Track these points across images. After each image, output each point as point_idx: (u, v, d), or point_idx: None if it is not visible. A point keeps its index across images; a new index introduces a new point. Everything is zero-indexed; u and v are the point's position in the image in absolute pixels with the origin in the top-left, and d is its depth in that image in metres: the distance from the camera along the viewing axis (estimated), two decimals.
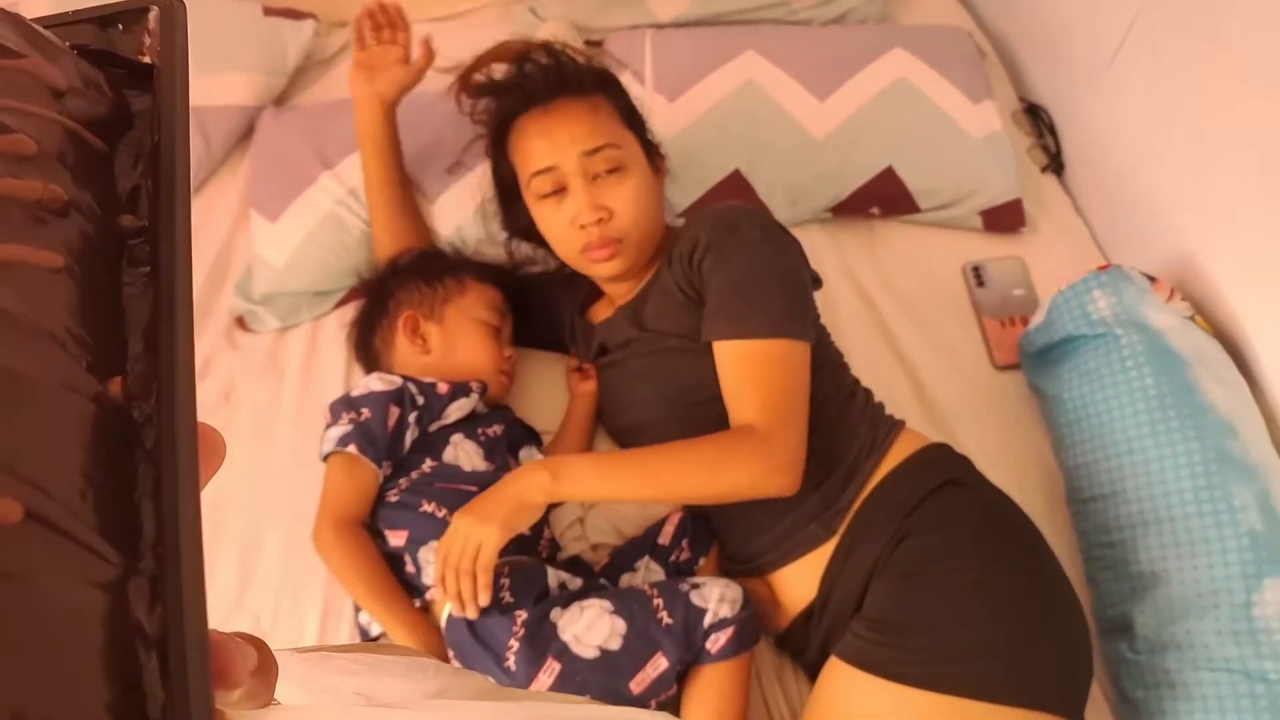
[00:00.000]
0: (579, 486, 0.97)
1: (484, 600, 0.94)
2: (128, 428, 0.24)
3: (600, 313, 1.25)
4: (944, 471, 1.04)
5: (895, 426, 1.10)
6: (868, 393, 1.15)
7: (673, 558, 1.10)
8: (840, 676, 0.92)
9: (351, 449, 1.05)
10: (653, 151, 1.18)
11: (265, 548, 1.14)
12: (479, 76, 1.20)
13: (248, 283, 1.39)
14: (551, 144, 1.07)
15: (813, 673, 1.06)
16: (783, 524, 1.04)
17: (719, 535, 1.13)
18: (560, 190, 1.08)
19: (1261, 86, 1.15)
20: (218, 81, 1.51)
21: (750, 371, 0.99)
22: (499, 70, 1.18)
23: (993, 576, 0.94)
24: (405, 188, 1.36)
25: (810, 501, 1.03)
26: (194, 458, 0.24)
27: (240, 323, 1.37)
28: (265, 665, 0.25)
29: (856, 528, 1.01)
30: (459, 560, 0.94)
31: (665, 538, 1.11)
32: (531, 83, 1.11)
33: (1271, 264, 1.16)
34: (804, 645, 1.05)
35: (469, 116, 1.20)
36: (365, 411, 1.07)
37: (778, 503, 1.03)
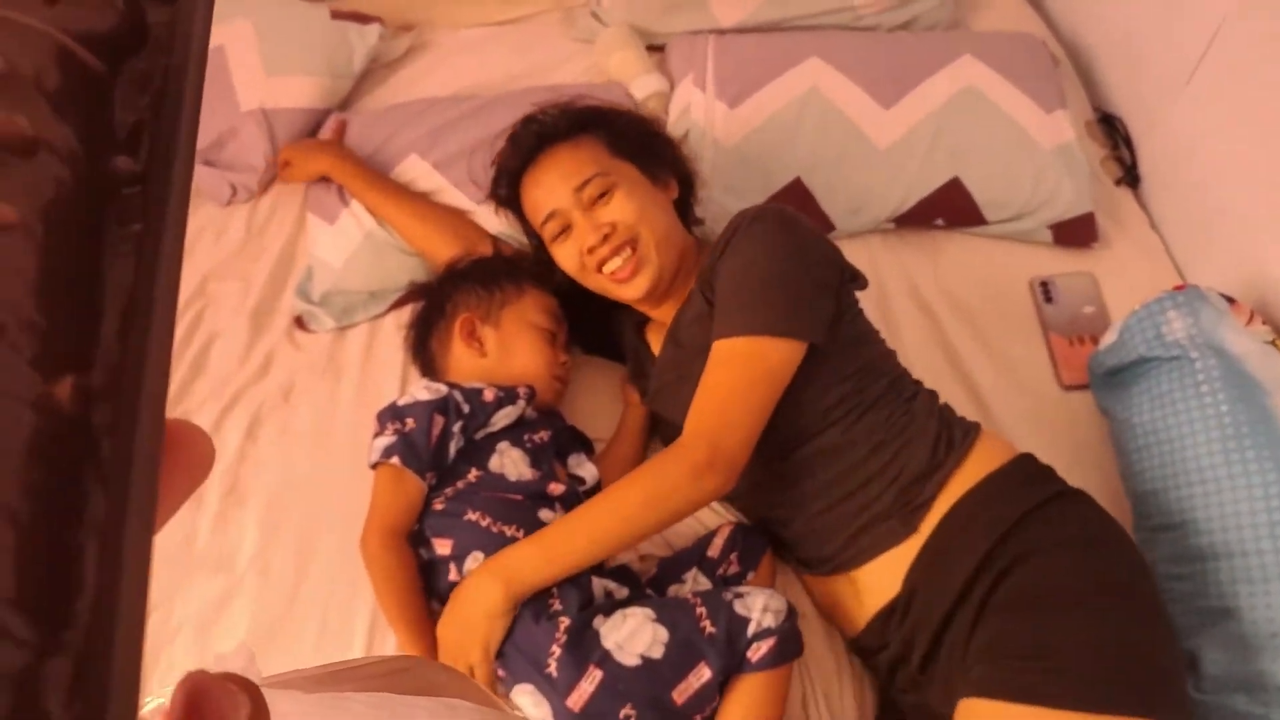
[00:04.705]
0: (534, 579, 0.96)
1: None
2: (78, 442, 0.18)
3: (655, 336, 1.24)
4: (1043, 487, 1.02)
5: (971, 428, 1.08)
6: (932, 394, 1.13)
7: (721, 571, 1.09)
8: (987, 714, 0.90)
9: (395, 461, 1.05)
10: (661, 170, 1.20)
11: (319, 551, 1.15)
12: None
13: (307, 284, 1.41)
14: (546, 191, 1.15)
15: (885, 675, 1.05)
16: (858, 522, 1.03)
17: (791, 547, 1.12)
18: (566, 229, 1.14)
19: None
20: (286, 83, 1.54)
21: (706, 375, 1.00)
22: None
23: (1116, 598, 0.93)
24: (438, 219, 1.40)
25: (886, 499, 1.02)
26: (153, 486, 0.19)
27: (299, 323, 1.39)
28: (257, 717, 0.22)
29: (948, 531, 0.99)
30: None
31: (714, 550, 1.10)
32: (521, 149, 1.19)
33: None
34: (882, 644, 1.03)
35: (483, 201, 1.31)
36: (410, 422, 1.07)
37: (851, 504, 1.03)
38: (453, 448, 1.09)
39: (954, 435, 1.05)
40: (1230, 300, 1.19)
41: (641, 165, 1.17)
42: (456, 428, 1.09)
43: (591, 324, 1.32)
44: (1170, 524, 1.10)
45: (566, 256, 1.15)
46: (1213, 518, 1.06)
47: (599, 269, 1.12)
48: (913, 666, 1.00)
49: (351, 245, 1.39)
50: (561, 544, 0.97)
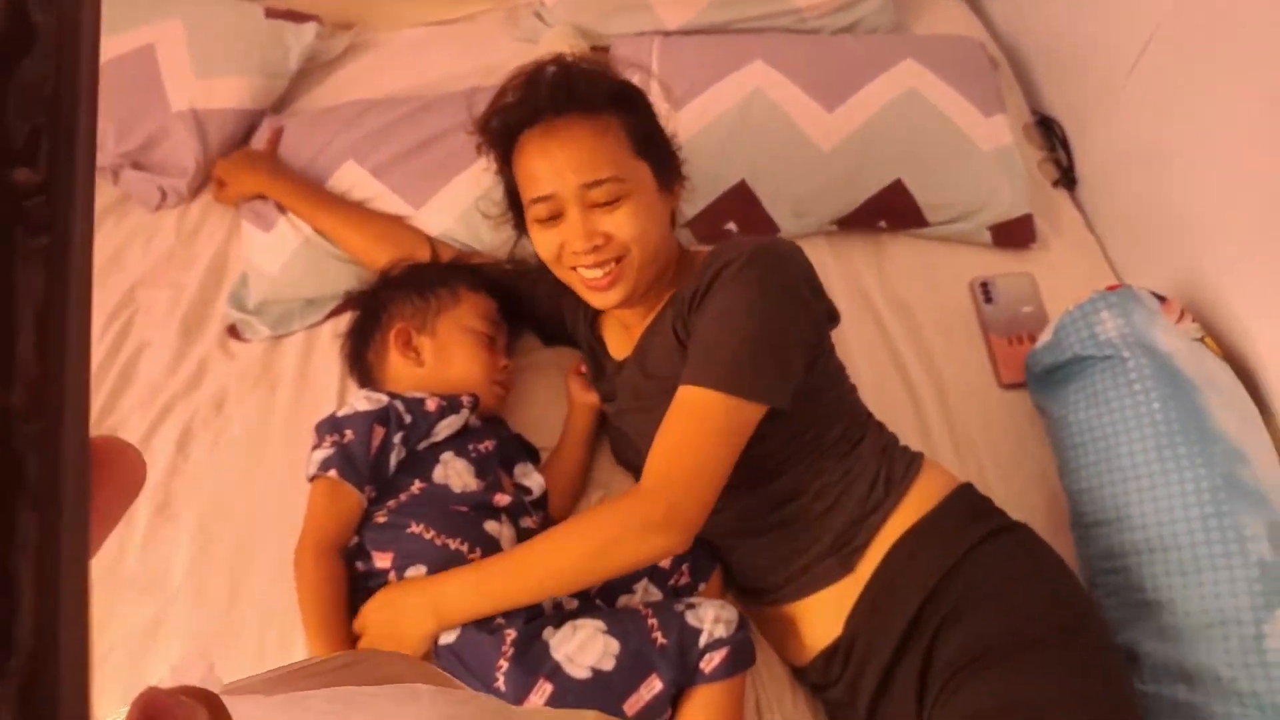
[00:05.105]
0: (467, 614, 0.95)
1: None
2: (2, 464, 0.18)
3: (611, 332, 1.21)
4: (981, 524, 1.01)
5: (913, 463, 1.06)
6: (880, 429, 1.11)
7: (672, 581, 1.08)
8: None
9: (333, 474, 1.03)
10: (670, 175, 1.10)
11: (254, 568, 1.12)
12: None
13: (242, 291, 1.38)
14: (552, 169, 1.02)
15: (836, 713, 1.05)
16: (797, 562, 1.03)
17: (733, 572, 1.12)
18: (557, 216, 1.03)
19: None
20: (219, 84, 1.49)
21: (672, 419, 0.96)
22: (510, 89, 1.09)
23: (1067, 638, 0.93)
24: (375, 228, 1.36)
25: (823, 540, 1.01)
26: (84, 503, 0.19)
27: (232, 331, 1.35)
28: None
29: (888, 575, 0.99)
30: None
31: (666, 560, 1.09)
32: (539, 96, 1.04)
33: None
34: (826, 683, 1.03)
35: (472, 131, 1.12)
36: (349, 433, 1.05)
37: (790, 543, 1.03)
38: (393, 459, 1.06)
39: (894, 472, 1.04)
40: (1161, 299, 1.21)
41: (657, 168, 1.06)
42: (397, 439, 1.06)
43: (539, 312, 1.29)
44: (1105, 520, 1.12)
45: (545, 244, 1.05)
46: (1146, 513, 1.08)
47: (574, 268, 1.05)
48: (859, 714, 1.00)
49: (288, 252, 1.35)
50: (500, 583, 0.96)
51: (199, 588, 1.11)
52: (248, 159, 1.45)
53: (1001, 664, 0.89)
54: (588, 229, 1.01)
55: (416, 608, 0.95)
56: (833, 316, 1.09)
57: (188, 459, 1.21)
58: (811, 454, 1.03)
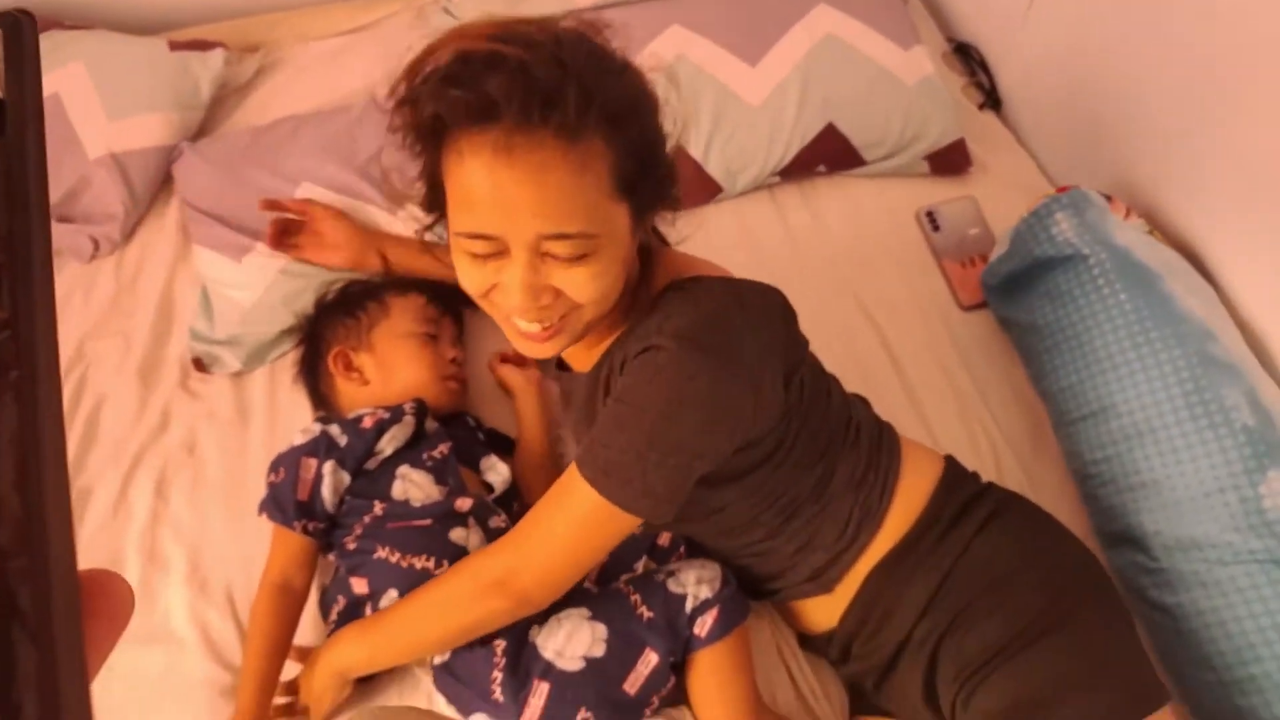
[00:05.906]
0: (363, 668, 0.97)
1: None
2: None
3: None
4: (963, 527, 0.97)
5: (890, 474, 0.99)
6: (855, 441, 0.99)
7: (673, 560, 1.06)
8: None
9: (264, 516, 1.02)
10: (656, 204, 0.85)
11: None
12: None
13: (206, 321, 1.31)
14: (501, 205, 0.73)
15: (848, 678, 1.06)
16: (778, 582, 1.02)
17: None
18: (498, 256, 0.77)
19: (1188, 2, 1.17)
20: (133, 124, 1.44)
21: (554, 493, 0.87)
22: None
23: (1076, 611, 0.92)
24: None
25: (800, 572, 1.00)
26: (76, 628, 0.19)
27: (198, 364, 1.29)
28: None
29: (870, 597, 0.97)
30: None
31: (665, 539, 1.07)
32: (496, 92, 0.69)
33: (1222, 171, 1.18)
34: (827, 655, 1.06)
35: (385, 109, 0.79)
36: (281, 472, 1.03)
37: (768, 567, 1.01)
38: (326, 489, 1.02)
39: (870, 502, 0.97)
40: (1108, 198, 1.25)
41: (636, 206, 0.81)
42: (328, 467, 1.02)
43: None
44: (1089, 413, 1.15)
45: (472, 279, 0.81)
46: (1129, 399, 1.11)
47: (502, 318, 0.86)
48: (868, 687, 1.02)
49: (264, 283, 1.28)
50: (384, 640, 0.94)
51: (204, 628, 1.07)
52: (354, 233, 1.29)
53: (1009, 664, 0.89)
54: (534, 283, 0.77)
55: (324, 668, 0.96)
56: (800, 357, 0.96)
57: (168, 505, 1.17)
58: (781, 512, 0.97)
